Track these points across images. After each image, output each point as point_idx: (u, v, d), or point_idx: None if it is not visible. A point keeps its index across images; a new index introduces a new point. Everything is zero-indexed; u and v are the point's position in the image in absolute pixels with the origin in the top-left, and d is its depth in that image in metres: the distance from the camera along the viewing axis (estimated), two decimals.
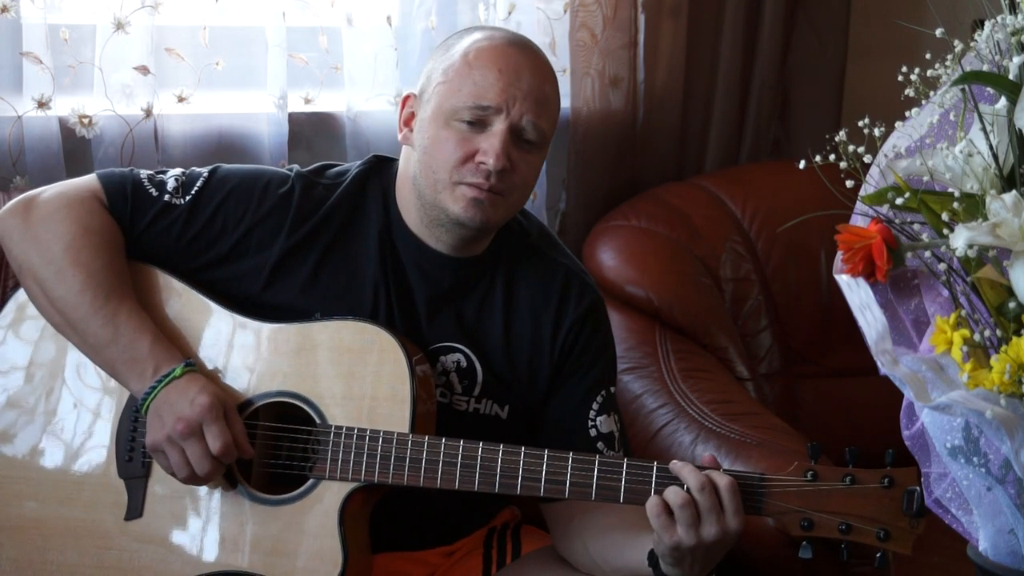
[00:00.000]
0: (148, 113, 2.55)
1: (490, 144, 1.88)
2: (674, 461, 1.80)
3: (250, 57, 2.69)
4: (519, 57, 1.92)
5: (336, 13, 2.71)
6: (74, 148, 2.52)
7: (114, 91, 2.53)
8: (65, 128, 2.51)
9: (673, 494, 1.75)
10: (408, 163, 1.98)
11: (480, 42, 1.93)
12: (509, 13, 2.83)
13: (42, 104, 2.46)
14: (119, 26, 2.50)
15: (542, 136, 1.93)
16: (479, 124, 1.89)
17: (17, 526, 1.97)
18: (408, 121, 1.98)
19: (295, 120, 2.70)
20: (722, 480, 1.75)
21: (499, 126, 1.88)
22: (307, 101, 2.74)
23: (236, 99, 2.69)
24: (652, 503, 1.76)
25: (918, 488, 1.73)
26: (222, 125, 2.67)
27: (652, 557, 1.83)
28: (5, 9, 2.42)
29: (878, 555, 1.75)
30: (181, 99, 2.61)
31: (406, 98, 1.99)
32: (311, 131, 2.76)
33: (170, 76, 2.60)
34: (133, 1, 2.50)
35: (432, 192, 1.92)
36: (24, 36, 2.45)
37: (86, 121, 2.52)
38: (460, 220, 1.91)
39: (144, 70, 2.54)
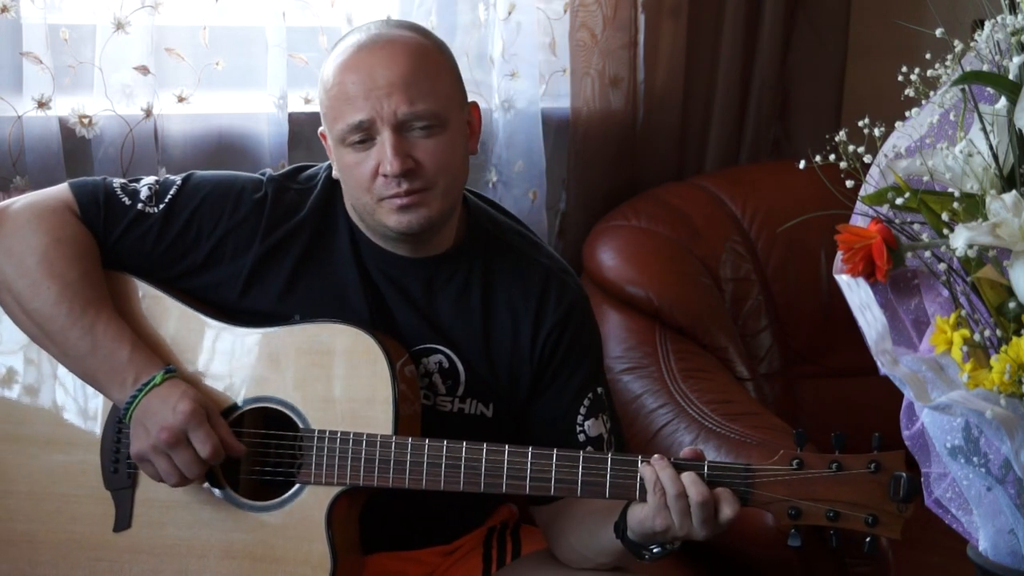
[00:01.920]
0: (148, 113, 2.55)
1: (382, 153, 1.85)
2: (656, 459, 1.79)
3: (250, 57, 2.69)
4: (368, 57, 1.88)
5: (336, 13, 2.71)
6: (74, 148, 2.52)
7: (114, 91, 2.53)
8: (65, 128, 2.51)
9: (668, 482, 1.76)
10: (344, 190, 1.98)
11: (334, 60, 1.91)
12: (509, 13, 2.83)
13: (42, 104, 2.46)
14: (119, 26, 2.50)
15: (434, 117, 1.88)
16: (368, 139, 1.87)
17: (7, 540, 1.97)
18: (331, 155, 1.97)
19: (295, 120, 2.70)
20: (698, 496, 1.75)
21: (383, 133, 1.86)
22: (307, 101, 2.74)
23: (236, 99, 2.69)
24: (648, 474, 1.77)
25: (904, 473, 1.73)
26: (222, 125, 2.67)
27: (618, 528, 1.84)
28: (5, 9, 2.42)
29: (867, 540, 1.75)
30: (181, 99, 2.61)
31: (322, 135, 1.98)
32: (311, 131, 2.74)
33: (170, 76, 2.60)
34: (133, 1, 2.50)
35: (367, 215, 1.92)
36: (24, 36, 2.45)
37: (86, 121, 2.52)
38: (400, 231, 1.90)
39: (144, 70, 2.54)
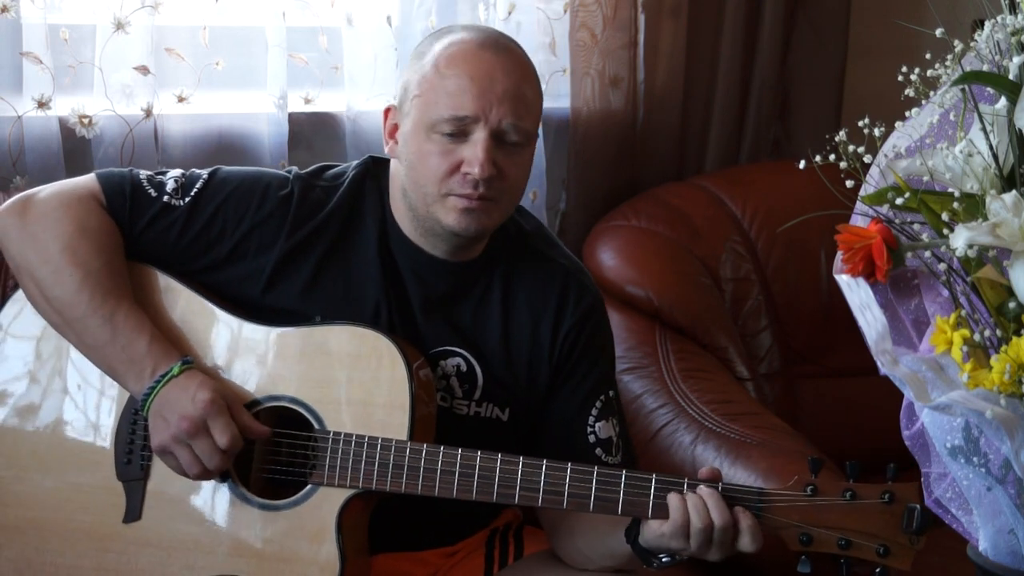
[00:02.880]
0: (148, 113, 2.55)
1: (473, 154, 1.85)
2: (672, 496, 1.79)
3: (250, 57, 2.69)
4: (491, 59, 1.88)
5: (336, 13, 2.71)
6: (74, 148, 2.52)
7: (114, 91, 2.53)
8: (65, 128, 2.51)
9: (695, 515, 1.75)
10: (397, 174, 1.97)
11: (450, 48, 1.90)
12: (509, 13, 2.83)
13: (42, 104, 2.46)
14: (119, 26, 2.50)
15: (526, 135, 1.90)
16: (460, 134, 1.86)
17: (16, 527, 1.97)
18: (392, 133, 1.96)
19: (295, 120, 2.70)
20: (720, 522, 1.75)
21: (480, 134, 1.86)
22: (307, 101, 2.74)
23: (236, 99, 2.69)
24: (676, 503, 1.77)
25: (919, 506, 1.72)
26: (222, 125, 2.67)
27: (629, 533, 1.84)
28: (5, 9, 2.42)
29: (877, 571, 1.75)
30: (181, 99, 2.61)
31: (387, 110, 1.98)
32: (311, 131, 2.76)
33: (170, 76, 2.60)
34: (133, 1, 2.50)
35: (423, 205, 1.91)
36: (24, 36, 2.45)
37: (86, 121, 2.52)
38: (454, 231, 1.90)
39: (144, 70, 2.54)
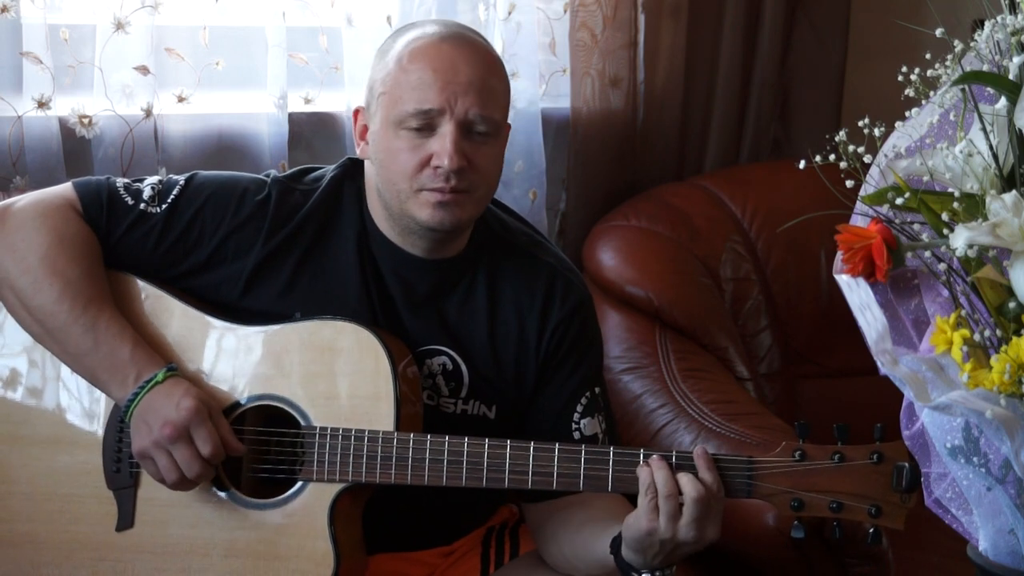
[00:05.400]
0: (148, 113, 2.55)
1: (441, 146, 1.85)
2: (654, 459, 1.79)
3: (250, 57, 2.69)
4: (452, 52, 1.88)
5: (336, 13, 2.71)
6: (74, 148, 2.52)
7: (114, 91, 2.53)
8: (65, 128, 2.50)
9: (662, 482, 1.76)
10: (371, 175, 1.97)
11: (412, 44, 1.90)
12: (509, 13, 2.83)
13: (42, 104, 2.46)
14: (119, 26, 2.50)
15: (494, 126, 1.90)
16: (427, 128, 1.86)
17: (9, 541, 1.97)
18: (363, 134, 1.96)
19: (295, 120, 2.70)
20: (693, 492, 1.75)
21: (446, 126, 1.86)
22: (307, 101, 2.74)
23: (236, 99, 2.69)
24: (644, 475, 1.76)
25: (907, 464, 1.73)
26: (222, 125, 2.67)
27: (615, 543, 1.83)
28: (5, 9, 2.42)
29: (871, 531, 1.75)
30: (181, 99, 2.61)
31: (356, 112, 1.98)
32: (311, 131, 2.76)
33: (170, 76, 2.60)
34: (133, 1, 2.50)
35: (397, 203, 1.91)
36: (24, 36, 2.45)
37: (86, 121, 2.51)
38: (430, 226, 1.90)
39: (144, 70, 2.54)
